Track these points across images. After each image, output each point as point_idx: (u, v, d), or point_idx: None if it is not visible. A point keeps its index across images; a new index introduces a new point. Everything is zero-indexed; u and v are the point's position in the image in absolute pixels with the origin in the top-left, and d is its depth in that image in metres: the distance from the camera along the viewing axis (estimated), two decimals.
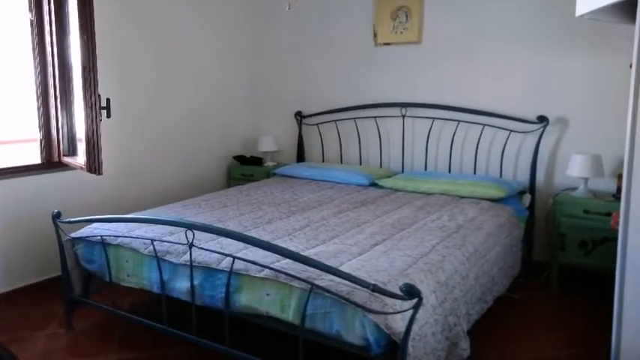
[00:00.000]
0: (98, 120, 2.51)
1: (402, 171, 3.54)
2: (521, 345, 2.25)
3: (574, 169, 2.77)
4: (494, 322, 2.39)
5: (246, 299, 1.83)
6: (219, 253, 1.89)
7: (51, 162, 2.96)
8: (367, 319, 1.53)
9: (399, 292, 1.45)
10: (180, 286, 2.00)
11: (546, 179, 3.11)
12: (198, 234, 1.92)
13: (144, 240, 2.12)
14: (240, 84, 4.09)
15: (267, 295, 1.77)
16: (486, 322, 2.24)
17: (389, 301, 1.53)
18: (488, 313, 2.22)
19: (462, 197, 2.88)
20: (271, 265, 1.77)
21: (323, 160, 3.94)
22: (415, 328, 1.51)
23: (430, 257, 1.93)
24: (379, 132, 3.63)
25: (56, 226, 2.29)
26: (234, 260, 1.80)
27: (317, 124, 3.90)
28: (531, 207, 3.06)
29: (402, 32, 3.49)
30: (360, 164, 3.76)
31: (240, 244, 1.93)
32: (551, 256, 2.87)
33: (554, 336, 2.33)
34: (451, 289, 1.86)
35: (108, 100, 2.56)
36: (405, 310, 1.48)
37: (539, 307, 2.65)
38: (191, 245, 1.88)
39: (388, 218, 2.47)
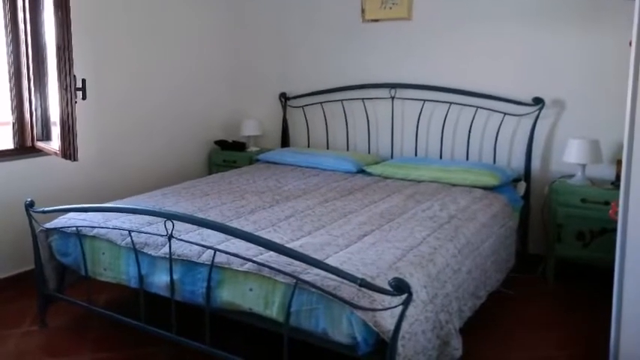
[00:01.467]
0: (73, 102, 2.43)
1: (392, 157, 3.49)
2: (516, 344, 2.21)
3: (571, 155, 2.73)
4: (488, 319, 2.35)
5: (228, 294, 1.79)
6: (199, 245, 1.84)
7: (24, 147, 2.88)
8: (355, 316, 1.50)
9: (387, 288, 1.41)
10: (159, 280, 1.95)
11: (542, 166, 3.08)
12: (178, 225, 1.86)
13: (121, 231, 2.06)
14: (220, 64, 4.00)
15: (251, 290, 1.73)
16: (479, 320, 2.19)
17: (377, 296, 1.49)
18: (482, 310, 2.18)
19: (454, 185, 2.83)
20: (254, 258, 1.72)
21: (309, 145, 3.87)
22: (405, 325, 1.48)
23: (420, 249, 1.89)
24: (367, 115, 3.57)
25: (29, 216, 2.23)
26: (215, 253, 1.75)
27: (302, 107, 3.82)
28: (526, 195, 3.02)
29: (391, 8, 3.42)
30: (348, 149, 3.70)
31: (222, 236, 1.89)
32: (547, 248, 2.85)
33: (551, 335, 2.29)
34: (442, 283, 1.82)
35: (84, 80, 2.48)
36: (395, 307, 1.44)
37: (534, 303, 2.61)
38: (170, 237, 1.83)
39: (376, 207, 2.43)
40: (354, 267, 1.65)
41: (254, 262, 1.70)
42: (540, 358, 2.11)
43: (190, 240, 1.87)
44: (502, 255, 2.48)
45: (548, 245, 2.82)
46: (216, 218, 2.20)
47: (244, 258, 1.72)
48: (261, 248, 1.73)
